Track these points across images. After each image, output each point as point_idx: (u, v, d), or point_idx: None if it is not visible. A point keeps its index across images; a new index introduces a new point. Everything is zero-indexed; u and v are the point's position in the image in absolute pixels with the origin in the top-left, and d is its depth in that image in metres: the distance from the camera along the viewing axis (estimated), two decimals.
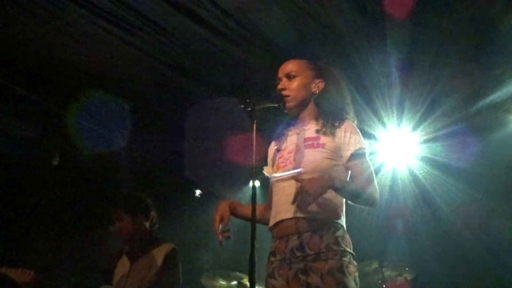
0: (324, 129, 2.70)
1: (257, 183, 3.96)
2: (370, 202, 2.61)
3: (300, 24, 4.30)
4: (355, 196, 2.60)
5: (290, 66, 2.82)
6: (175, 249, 3.97)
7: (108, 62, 4.92)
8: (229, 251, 6.51)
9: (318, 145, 2.66)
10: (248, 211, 2.68)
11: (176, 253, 3.95)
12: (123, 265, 3.95)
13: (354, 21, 4.27)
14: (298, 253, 2.53)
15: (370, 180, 2.63)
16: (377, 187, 2.64)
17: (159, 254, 3.90)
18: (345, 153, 2.66)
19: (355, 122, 2.81)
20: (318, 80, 2.81)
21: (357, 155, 2.66)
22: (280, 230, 2.62)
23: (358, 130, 2.75)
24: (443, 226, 5.66)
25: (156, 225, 4.10)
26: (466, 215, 5.53)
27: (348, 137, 2.67)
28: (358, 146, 2.66)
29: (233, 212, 2.82)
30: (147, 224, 4.00)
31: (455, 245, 5.56)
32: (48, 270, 5.35)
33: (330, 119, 2.73)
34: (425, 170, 5.82)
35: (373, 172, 2.68)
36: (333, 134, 2.68)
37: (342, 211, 2.64)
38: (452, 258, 5.55)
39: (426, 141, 5.64)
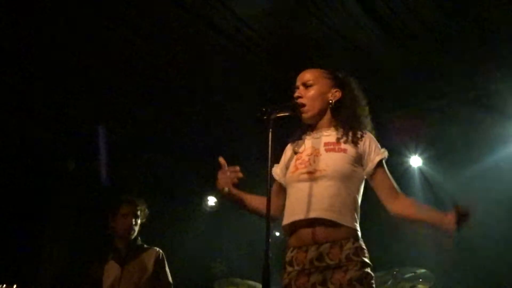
0: (345, 138, 2.69)
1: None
2: None
3: (317, 34, 4.31)
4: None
5: (307, 75, 2.82)
6: (162, 253, 4.16)
7: (132, 72, 4.97)
8: (243, 259, 6.51)
9: (340, 150, 2.65)
10: (254, 202, 2.83)
11: (163, 257, 4.15)
12: (112, 270, 4.00)
13: (372, 32, 4.28)
14: (317, 264, 2.50)
15: (396, 185, 2.68)
16: None
17: (149, 258, 4.07)
18: (373, 157, 2.66)
19: (373, 133, 2.80)
20: (335, 90, 2.80)
21: (383, 162, 2.68)
22: (298, 239, 2.60)
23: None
24: (460, 236, 5.62)
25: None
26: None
27: (373, 146, 2.68)
28: (384, 155, 2.67)
29: (239, 198, 2.84)
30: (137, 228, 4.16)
31: (471, 257, 5.52)
32: (61, 281, 5.38)
33: (350, 130, 2.72)
34: None
35: None
36: (355, 144, 2.67)
37: (357, 215, 2.63)
38: (468, 270, 5.50)
39: None
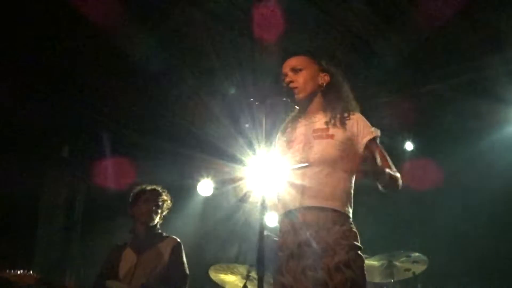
0: (333, 121, 2.73)
1: None
2: (399, 185, 2.65)
3: (308, 17, 4.30)
4: (394, 181, 2.61)
5: (294, 61, 2.86)
6: (180, 242, 4.11)
7: (120, 54, 4.94)
8: (238, 245, 6.52)
9: (328, 136, 2.69)
10: None
11: (181, 247, 4.09)
12: (128, 258, 4.00)
13: (367, 16, 4.27)
14: (306, 248, 2.53)
15: (392, 164, 2.67)
16: None
17: (166, 247, 4.02)
18: (361, 140, 2.69)
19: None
20: (323, 74, 2.86)
21: (375, 141, 2.70)
22: (287, 223, 2.64)
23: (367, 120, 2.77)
24: (453, 220, 5.66)
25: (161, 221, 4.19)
26: None
27: (362, 126, 2.72)
28: (374, 134, 2.70)
29: None
30: (159, 217, 4.13)
31: (465, 240, 5.56)
32: (57, 264, 5.37)
33: (338, 111, 2.76)
34: None
35: None
36: (343, 126, 2.71)
37: (350, 201, 2.67)
38: (462, 253, 5.54)
39: None
